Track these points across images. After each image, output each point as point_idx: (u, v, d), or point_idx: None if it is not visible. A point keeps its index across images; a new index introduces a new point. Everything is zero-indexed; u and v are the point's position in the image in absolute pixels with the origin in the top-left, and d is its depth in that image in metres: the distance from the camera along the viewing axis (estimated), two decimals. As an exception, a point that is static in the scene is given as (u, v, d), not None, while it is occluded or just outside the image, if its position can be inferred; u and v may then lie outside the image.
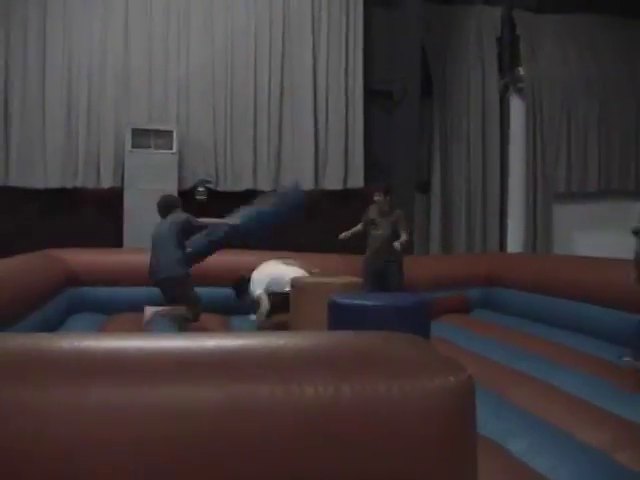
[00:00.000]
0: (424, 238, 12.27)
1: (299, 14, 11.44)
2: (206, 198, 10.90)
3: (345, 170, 11.60)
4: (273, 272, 8.10)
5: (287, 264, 8.30)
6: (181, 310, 7.43)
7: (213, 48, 11.13)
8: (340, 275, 7.74)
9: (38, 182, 10.60)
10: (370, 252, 8.77)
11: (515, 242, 12.37)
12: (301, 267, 8.16)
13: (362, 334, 2.04)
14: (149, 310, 7.41)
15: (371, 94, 11.79)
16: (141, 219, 9.26)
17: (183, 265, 7.47)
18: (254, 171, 11.25)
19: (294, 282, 7.36)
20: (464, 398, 1.71)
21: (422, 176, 12.26)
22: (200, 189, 10.96)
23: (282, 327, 7.58)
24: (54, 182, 10.63)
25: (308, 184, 11.38)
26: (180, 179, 10.65)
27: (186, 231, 7.59)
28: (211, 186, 11.06)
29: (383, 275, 8.57)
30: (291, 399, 1.57)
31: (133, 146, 10.36)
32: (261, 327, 7.85)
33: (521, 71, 12.51)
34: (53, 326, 7.35)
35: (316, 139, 11.46)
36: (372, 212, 8.81)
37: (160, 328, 6.99)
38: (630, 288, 5.83)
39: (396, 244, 8.45)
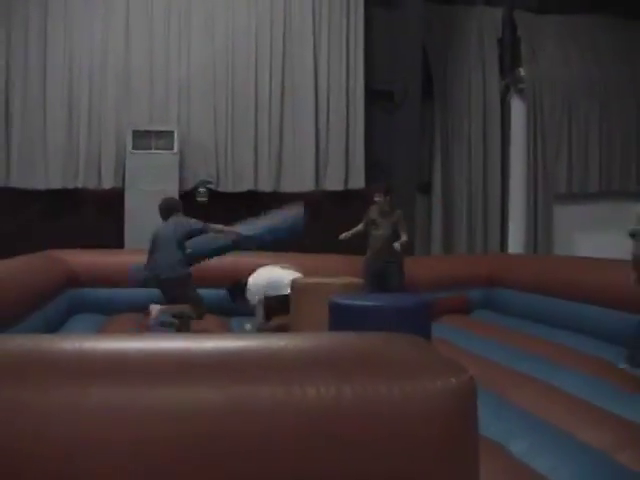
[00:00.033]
0: (425, 239, 12.26)
1: (300, 14, 11.45)
2: (207, 199, 10.90)
3: (346, 171, 11.60)
4: (271, 276, 8.12)
5: (283, 268, 8.31)
6: (186, 308, 7.48)
7: (214, 49, 11.14)
8: (340, 276, 7.74)
9: (39, 183, 10.61)
10: (371, 252, 8.77)
11: (516, 243, 12.36)
12: (297, 271, 8.16)
13: (363, 335, 2.04)
14: (155, 308, 7.43)
15: (372, 95, 11.79)
16: (142, 220, 9.25)
17: (184, 265, 7.50)
18: (255, 172, 11.25)
19: (294, 283, 7.36)
20: (465, 399, 1.71)
21: (423, 177, 12.25)
22: (201, 190, 10.95)
23: (282, 330, 7.58)
24: (55, 183, 10.64)
25: (309, 185, 11.38)
26: (181, 180, 10.65)
27: (191, 236, 7.62)
28: (212, 187, 11.06)
29: (384, 275, 8.57)
30: (292, 400, 1.57)
31: (134, 147, 10.37)
32: (261, 330, 7.85)
33: (522, 72, 12.50)
34: (54, 327, 7.36)
35: (317, 140, 11.46)
36: (373, 212, 8.81)
37: (163, 323, 7.13)
38: (631, 289, 5.83)
39: (396, 245, 8.45)
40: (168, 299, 7.52)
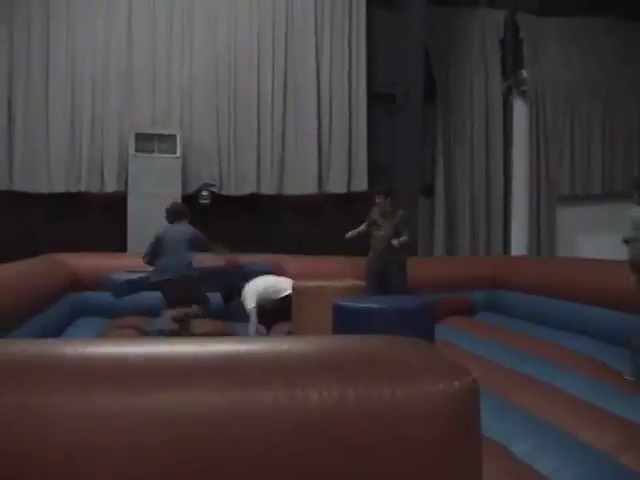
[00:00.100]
0: (428, 241, 12.26)
1: (302, 15, 11.46)
2: (210, 202, 10.90)
3: (349, 173, 11.60)
4: (267, 281, 8.17)
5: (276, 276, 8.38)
6: (194, 309, 7.54)
7: (216, 51, 11.15)
8: (342, 278, 7.75)
9: (42, 187, 10.62)
10: (373, 253, 8.77)
11: (519, 245, 12.36)
12: (290, 279, 8.21)
13: (366, 338, 2.04)
14: (168, 313, 7.47)
15: (374, 97, 11.79)
16: (145, 223, 9.25)
17: (192, 268, 7.56)
18: (258, 175, 11.25)
19: (296, 286, 7.37)
20: (468, 402, 1.71)
21: (426, 179, 12.26)
22: (204, 193, 10.95)
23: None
24: (58, 187, 10.65)
25: (312, 187, 11.38)
26: (184, 183, 10.65)
27: (195, 245, 7.65)
28: (215, 190, 11.06)
29: (386, 276, 8.57)
30: (295, 404, 1.57)
31: (137, 150, 10.38)
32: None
33: (524, 74, 12.51)
34: (57, 330, 7.37)
35: (319, 142, 11.46)
36: (374, 214, 8.82)
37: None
38: (632, 291, 5.84)
39: (394, 241, 8.46)
40: (173, 299, 7.54)
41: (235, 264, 8.29)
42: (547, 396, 4.89)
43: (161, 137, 10.53)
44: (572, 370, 5.74)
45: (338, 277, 7.86)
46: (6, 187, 10.54)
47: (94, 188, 10.75)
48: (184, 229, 7.62)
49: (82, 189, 10.72)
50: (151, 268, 7.59)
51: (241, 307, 8.00)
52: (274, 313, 7.97)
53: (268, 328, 8.01)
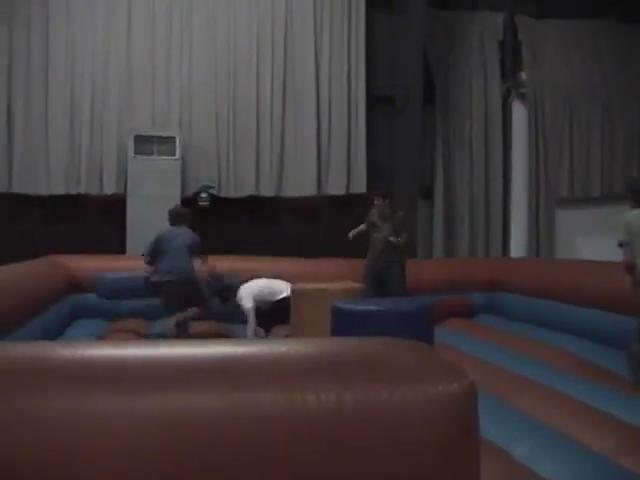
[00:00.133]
0: (427, 244, 12.26)
1: (301, 18, 11.47)
2: (209, 204, 10.90)
3: (348, 175, 11.60)
4: (262, 283, 8.18)
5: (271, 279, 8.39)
6: (193, 311, 7.56)
7: (215, 53, 11.16)
8: (341, 280, 7.75)
9: (41, 189, 10.63)
10: (371, 255, 8.76)
11: (518, 247, 12.36)
12: (286, 282, 8.21)
13: (364, 340, 2.04)
14: (170, 322, 7.48)
15: (373, 100, 11.80)
16: (144, 225, 9.26)
17: (194, 271, 7.61)
18: (257, 177, 11.25)
19: (295, 289, 7.37)
20: (467, 404, 1.71)
21: (425, 181, 12.27)
22: (203, 195, 10.95)
23: None
24: (57, 189, 10.66)
25: (311, 189, 11.38)
26: (183, 185, 10.66)
27: (194, 250, 7.67)
28: (214, 192, 11.06)
29: (385, 277, 8.56)
30: (293, 406, 1.57)
31: (136, 152, 10.38)
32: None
33: (523, 76, 12.52)
34: (56, 332, 7.37)
35: (319, 144, 11.47)
36: (373, 215, 8.81)
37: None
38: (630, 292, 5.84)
39: (392, 238, 8.47)
40: (175, 302, 7.53)
41: (216, 273, 8.36)
42: (546, 398, 4.89)
43: (160, 139, 10.54)
44: (571, 372, 5.75)
45: (337, 279, 7.86)
46: (6, 189, 10.55)
47: (93, 190, 10.75)
48: (185, 233, 7.64)
49: (81, 191, 10.73)
50: (150, 268, 7.59)
51: (237, 307, 8.02)
52: (272, 315, 7.97)
53: (267, 331, 8.01)
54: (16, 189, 10.56)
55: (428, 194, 12.34)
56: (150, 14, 11.00)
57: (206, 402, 1.56)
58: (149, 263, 7.59)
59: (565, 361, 6.19)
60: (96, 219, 10.84)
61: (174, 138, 10.57)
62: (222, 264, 8.52)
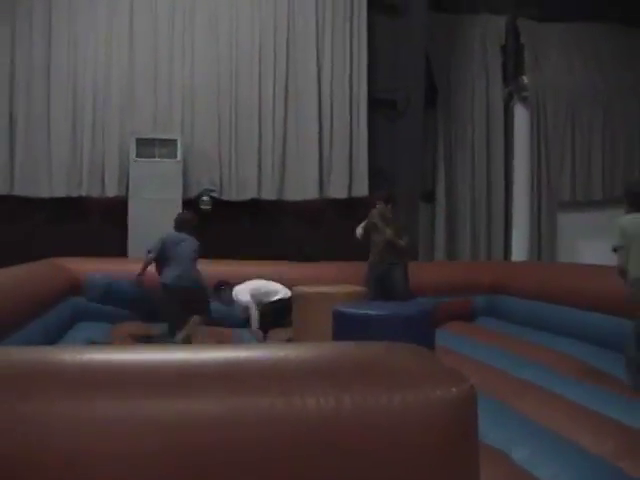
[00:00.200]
0: (429, 247, 12.25)
1: (303, 20, 11.46)
2: (210, 207, 10.89)
3: (349, 178, 11.58)
4: (256, 283, 8.19)
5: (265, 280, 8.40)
6: (195, 322, 7.56)
7: (217, 55, 11.16)
8: (342, 284, 7.75)
9: (43, 191, 10.63)
10: (373, 257, 8.73)
11: (520, 250, 12.35)
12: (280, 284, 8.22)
13: (364, 345, 2.05)
14: (178, 337, 7.48)
15: (375, 103, 11.79)
16: (146, 228, 9.26)
17: (200, 280, 7.64)
18: (258, 180, 11.23)
19: (296, 292, 7.37)
20: (466, 409, 1.71)
21: (426, 185, 12.26)
22: (204, 198, 10.93)
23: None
24: (59, 191, 10.66)
25: (312, 192, 11.37)
26: (184, 188, 10.65)
27: (196, 258, 7.69)
28: (215, 195, 11.04)
29: (387, 279, 8.54)
30: (292, 410, 1.58)
31: (137, 155, 10.38)
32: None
33: (525, 80, 12.51)
34: (57, 335, 7.37)
35: (320, 147, 11.45)
36: (374, 216, 8.78)
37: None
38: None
39: (393, 237, 8.48)
40: (179, 307, 7.51)
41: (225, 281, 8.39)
42: (546, 402, 4.89)
43: (162, 142, 10.54)
44: (571, 376, 5.74)
45: (339, 283, 7.86)
46: (7, 191, 10.55)
47: (95, 193, 10.75)
48: (189, 239, 7.62)
49: (83, 194, 10.73)
50: (143, 265, 7.57)
51: (230, 297, 8.02)
52: (268, 317, 7.94)
53: (264, 332, 7.97)
54: (18, 191, 10.56)
55: (430, 197, 12.33)
56: (152, 15, 11.00)
57: (206, 406, 1.57)
58: (153, 260, 7.54)
59: (566, 364, 6.19)
60: (97, 221, 10.84)
61: (175, 141, 10.57)
62: (216, 267, 8.52)
